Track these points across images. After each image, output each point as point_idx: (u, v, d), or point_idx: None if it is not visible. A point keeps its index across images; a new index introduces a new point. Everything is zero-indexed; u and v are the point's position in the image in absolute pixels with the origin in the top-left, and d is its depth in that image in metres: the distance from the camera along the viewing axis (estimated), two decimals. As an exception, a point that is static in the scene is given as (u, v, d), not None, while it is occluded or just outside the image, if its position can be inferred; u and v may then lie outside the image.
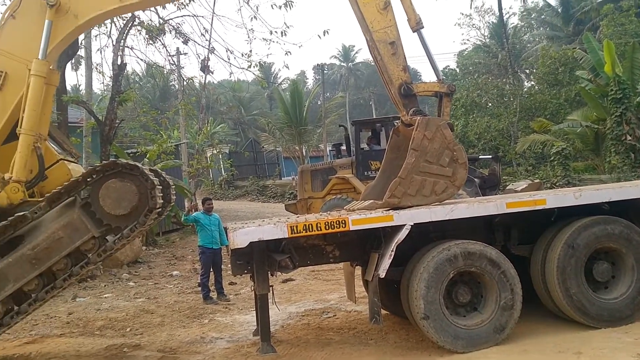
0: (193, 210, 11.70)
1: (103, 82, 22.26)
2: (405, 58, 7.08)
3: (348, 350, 6.75)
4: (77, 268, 6.10)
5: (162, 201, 6.35)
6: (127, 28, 15.77)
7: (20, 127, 6.19)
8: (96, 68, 18.44)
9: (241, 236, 6.29)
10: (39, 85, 6.30)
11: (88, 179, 6.05)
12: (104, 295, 11.73)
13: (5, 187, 5.99)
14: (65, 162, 7.15)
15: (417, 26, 7.20)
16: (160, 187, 6.27)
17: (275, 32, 16.67)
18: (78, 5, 6.46)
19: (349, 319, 8.20)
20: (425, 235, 6.71)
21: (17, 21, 6.47)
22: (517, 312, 6.29)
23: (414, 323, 6.48)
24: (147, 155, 19.54)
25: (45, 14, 6.35)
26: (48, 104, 6.71)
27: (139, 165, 6.12)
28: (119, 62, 15.73)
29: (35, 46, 6.35)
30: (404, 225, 6.23)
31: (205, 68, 17.78)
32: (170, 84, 49.71)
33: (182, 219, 11.86)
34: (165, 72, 25.22)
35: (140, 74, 47.55)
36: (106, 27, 15.59)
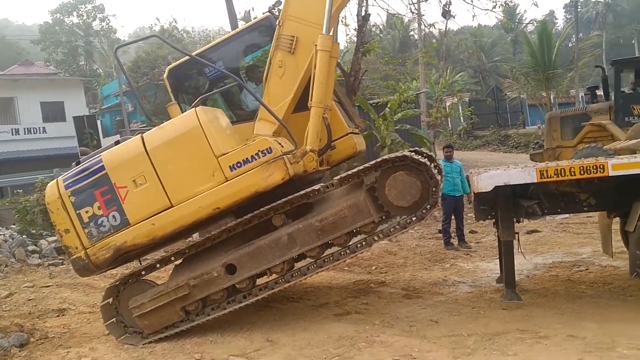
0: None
1: (347, 34, 23.16)
2: None
3: (604, 304, 6.27)
4: (353, 246, 6.40)
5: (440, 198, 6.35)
6: (371, -22, 16.06)
7: (311, 101, 6.61)
8: (341, 21, 19.22)
9: (486, 180, 6.18)
10: (325, 59, 6.61)
11: (378, 168, 6.26)
12: (351, 236, 12.56)
13: (304, 157, 6.52)
14: (352, 135, 7.56)
15: None
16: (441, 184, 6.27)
17: (524, -33, 15.57)
18: None
19: (603, 274, 7.55)
20: None
21: None
22: None
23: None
24: (388, 105, 20.02)
25: None
26: (331, 76, 7.00)
27: (427, 162, 6.18)
28: (362, 13, 16.16)
29: (318, 9, 6.61)
30: (676, 171, 5.51)
31: (446, 13, 17.47)
32: (410, 33, 49.91)
33: None
34: (405, 22, 25.37)
35: (380, 26, 48.58)
36: (352, -21, 15.99)
